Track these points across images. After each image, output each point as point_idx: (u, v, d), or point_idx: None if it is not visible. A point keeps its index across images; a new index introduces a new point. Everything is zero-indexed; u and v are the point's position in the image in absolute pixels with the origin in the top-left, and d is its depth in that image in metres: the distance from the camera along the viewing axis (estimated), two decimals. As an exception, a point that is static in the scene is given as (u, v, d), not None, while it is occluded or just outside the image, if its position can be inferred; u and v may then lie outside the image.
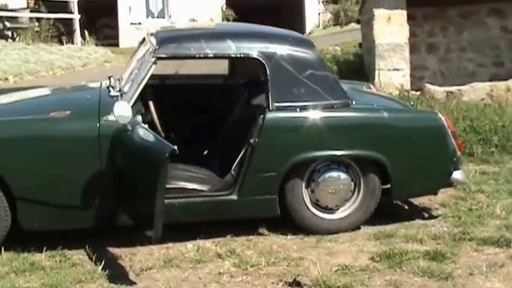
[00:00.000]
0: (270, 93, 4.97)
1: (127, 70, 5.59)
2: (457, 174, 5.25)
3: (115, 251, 4.92)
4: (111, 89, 5.21)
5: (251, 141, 4.95)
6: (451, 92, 10.47)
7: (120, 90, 5.03)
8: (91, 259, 4.78)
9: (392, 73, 11.31)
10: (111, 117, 4.76)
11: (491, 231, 5.01)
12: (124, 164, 4.59)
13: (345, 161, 5.11)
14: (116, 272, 4.55)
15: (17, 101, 5.59)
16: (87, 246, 4.90)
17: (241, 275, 4.46)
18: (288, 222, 5.22)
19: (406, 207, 5.80)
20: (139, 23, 23.39)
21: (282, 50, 5.07)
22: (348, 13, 24.53)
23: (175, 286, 4.32)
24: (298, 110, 5.01)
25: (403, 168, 5.13)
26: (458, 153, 5.25)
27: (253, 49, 5.03)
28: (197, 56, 5.01)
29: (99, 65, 17.42)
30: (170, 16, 24.45)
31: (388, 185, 5.21)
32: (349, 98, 5.18)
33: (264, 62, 4.99)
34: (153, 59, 4.89)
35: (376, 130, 5.13)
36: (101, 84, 5.61)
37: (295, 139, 4.99)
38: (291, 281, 4.28)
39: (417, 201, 5.83)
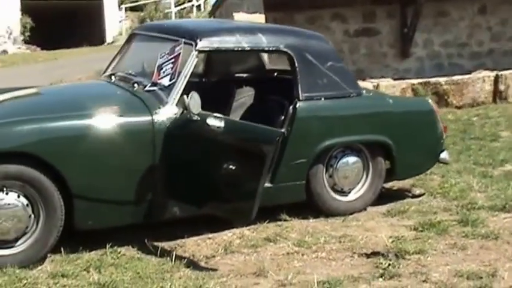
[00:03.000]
0: (299, 84, 5.51)
1: (136, 65, 5.76)
2: (444, 154, 6.20)
3: (162, 244, 5.13)
4: (135, 84, 5.35)
5: (282, 130, 5.42)
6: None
7: (155, 85, 5.22)
8: (148, 253, 4.97)
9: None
10: (162, 110, 5.01)
11: (486, 200, 5.99)
12: (202, 154, 4.81)
13: (358, 145, 5.78)
14: (188, 262, 4.80)
15: (42, 98, 5.51)
16: (146, 241, 5.08)
17: (312, 253, 4.96)
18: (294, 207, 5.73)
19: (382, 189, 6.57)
20: None
21: (305, 43, 5.70)
22: (154, 20, 25.00)
23: (264, 264, 4.69)
24: (323, 99, 5.58)
25: (404, 150, 5.94)
26: (444, 135, 6.18)
27: (281, 43, 5.56)
28: (235, 49, 5.40)
29: None
30: (-39, 24, 23.16)
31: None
32: (360, 87, 5.87)
33: (292, 54, 5.53)
34: (196, 52, 5.19)
35: (384, 116, 5.94)
36: (108, 81, 5.70)
37: (322, 127, 5.59)
38: (368, 252, 4.87)
39: (386, 184, 6.62)
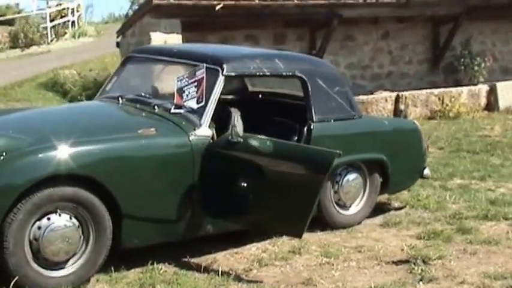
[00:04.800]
0: (312, 107, 5.99)
1: (145, 88, 6.02)
2: (426, 171, 6.90)
3: (196, 260, 5.42)
4: (156, 107, 5.61)
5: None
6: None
7: (180, 107, 5.51)
8: (188, 269, 5.25)
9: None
10: (198, 132, 5.33)
11: (466, 211, 6.70)
12: (247, 174, 5.14)
13: (359, 163, 6.34)
14: (232, 275, 5.13)
15: (78, 119, 5.63)
16: (187, 258, 5.39)
17: (342, 262, 5.43)
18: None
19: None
20: None
21: (316, 69, 6.21)
22: (29, 35, 24.66)
23: (307, 274, 5.13)
24: (332, 121, 6.10)
25: (397, 167, 6.54)
26: (427, 153, 6.89)
27: (296, 69, 6.02)
28: (257, 74, 5.82)
29: None
30: None
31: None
32: (360, 111, 6.45)
33: (306, 79, 6.00)
34: (223, 77, 5.54)
35: (381, 136, 6.54)
36: (117, 102, 5.90)
37: (333, 146, 6.01)
38: (394, 260, 5.41)
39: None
